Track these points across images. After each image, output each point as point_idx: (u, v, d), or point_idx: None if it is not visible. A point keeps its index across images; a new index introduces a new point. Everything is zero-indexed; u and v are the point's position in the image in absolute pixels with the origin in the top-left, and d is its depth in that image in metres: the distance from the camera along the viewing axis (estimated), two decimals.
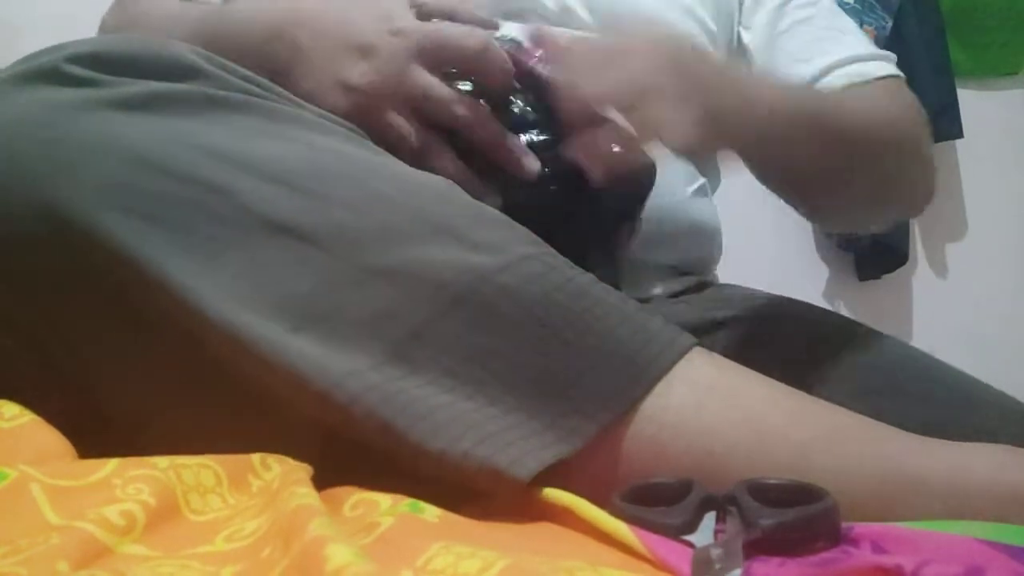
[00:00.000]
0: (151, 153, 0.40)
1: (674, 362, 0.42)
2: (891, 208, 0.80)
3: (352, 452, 0.39)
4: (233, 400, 0.40)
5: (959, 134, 1.97)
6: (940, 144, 2.00)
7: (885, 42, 1.88)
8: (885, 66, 0.74)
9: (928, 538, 0.33)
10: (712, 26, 0.77)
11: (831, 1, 0.81)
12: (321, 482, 0.37)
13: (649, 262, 0.72)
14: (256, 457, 0.38)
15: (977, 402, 0.59)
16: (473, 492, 0.38)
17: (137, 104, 0.41)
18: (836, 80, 0.74)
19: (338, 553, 0.26)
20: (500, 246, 0.42)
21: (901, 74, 0.75)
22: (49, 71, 0.41)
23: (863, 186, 0.69)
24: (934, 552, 0.31)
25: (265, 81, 0.46)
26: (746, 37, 0.79)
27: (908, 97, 0.74)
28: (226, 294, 0.38)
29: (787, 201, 0.71)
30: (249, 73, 0.46)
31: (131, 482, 0.33)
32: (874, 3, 1.87)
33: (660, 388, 0.41)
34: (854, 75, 0.73)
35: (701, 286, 0.76)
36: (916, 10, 1.94)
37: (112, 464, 0.34)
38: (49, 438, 0.38)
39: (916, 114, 0.73)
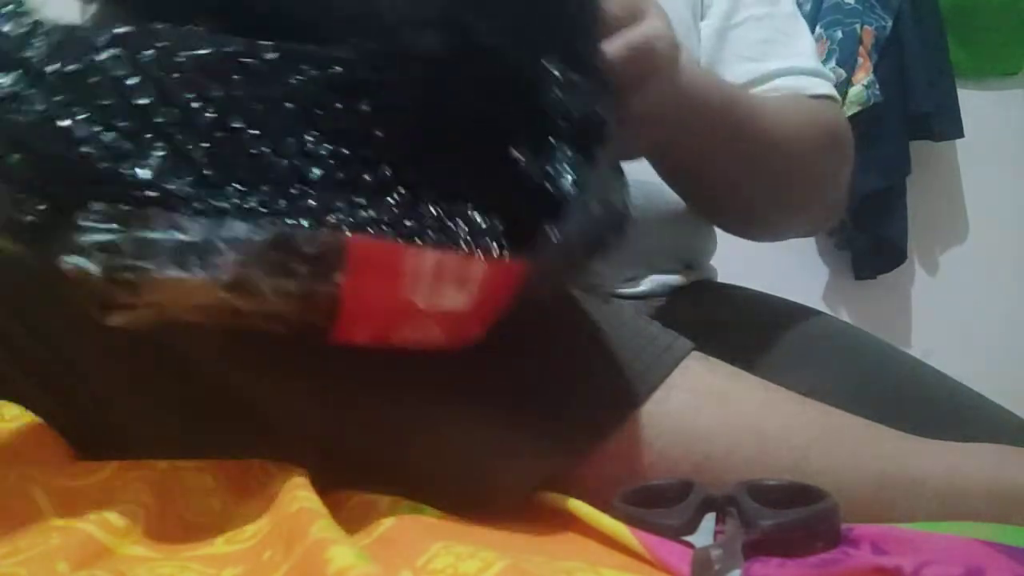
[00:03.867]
0: None
1: (672, 368, 0.42)
2: (797, 224, 0.78)
3: (348, 466, 0.38)
4: (228, 410, 0.40)
5: (959, 134, 1.97)
6: (940, 144, 2.00)
7: (885, 42, 1.88)
8: (823, 84, 0.74)
9: (928, 539, 0.33)
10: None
11: (793, 5, 0.80)
12: (318, 489, 0.37)
13: (636, 249, 0.71)
14: (255, 462, 0.38)
15: (972, 411, 0.59)
16: (473, 497, 0.38)
17: None
18: (774, 89, 0.73)
19: (341, 555, 0.26)
20: None
21: (837, 96, 0.75)
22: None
23: (778, 196, 0.68)
24: (934, 554, 0.31)
25: None
26: (703, 28, 0.77)
27: (839, 120, 0.74)
28: None
29: (691, 203, 0.70)
30: None
31: (131, 483, 0.33)
32: (874, 3, 1.87)
33: (658, 394, 0.41)
34: (793, 87, 0.73)
35: (698, 285, 0.76)
36: (916, 10, 1.94)
37: (112, 466, 0.34)
38: (49, 439, 0.38)
39: (841, 138, 0.72)
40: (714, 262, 0.81)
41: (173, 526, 0.33)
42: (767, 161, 0.64)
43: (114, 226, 0.28)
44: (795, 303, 0.75)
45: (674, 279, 0.73)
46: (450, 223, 0.34)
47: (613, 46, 0.42)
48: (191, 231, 0.29)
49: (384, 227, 0.33)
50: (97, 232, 0.28)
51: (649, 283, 0.71)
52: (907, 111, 1.90)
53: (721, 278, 0.81)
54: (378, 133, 0.34)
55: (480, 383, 0.39)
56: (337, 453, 0.39)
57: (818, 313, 0.74)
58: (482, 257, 0.33)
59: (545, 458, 0.38)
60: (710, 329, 0.70)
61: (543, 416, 0.39)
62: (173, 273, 0.28)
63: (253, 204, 0.32)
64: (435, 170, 0.35)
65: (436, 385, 0.39)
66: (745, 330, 0.70)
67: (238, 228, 0.29)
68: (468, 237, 0.34)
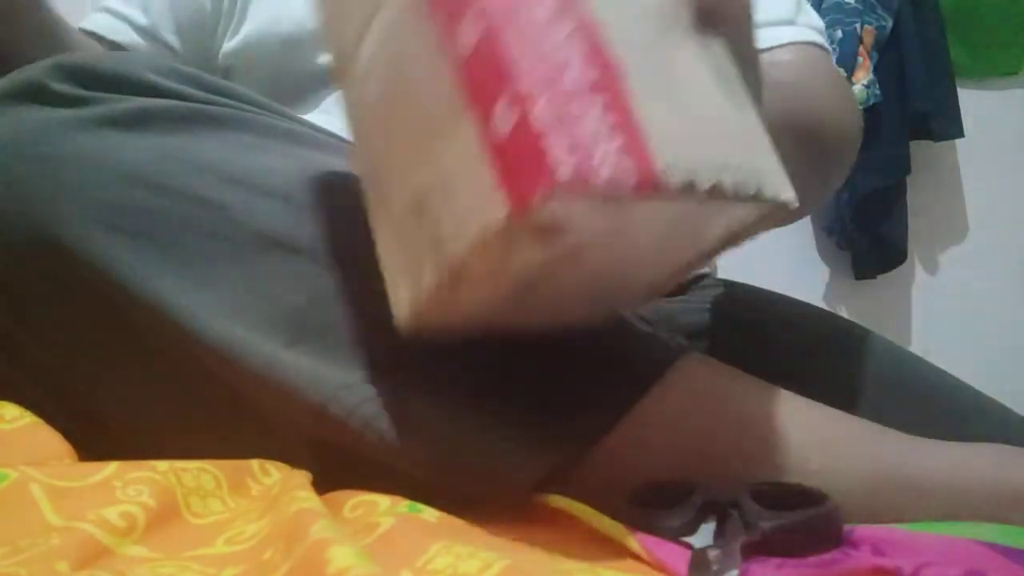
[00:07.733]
0: (142, 170, 0.40)
1: (669, 366, 0.42)
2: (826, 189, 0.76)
3: (347, 461, 0.39)
4: (228, 411, 0.40)
5: (959, 134, 1.97)
6: (940, 144, 2.00)
7: (885, 42, 1.88)
8: (806, 32, 0.68)
9: (928, 541, 0.33)
10: None
11: None
12: (318, 489, 0.37)
13: None
14: (255, 462, 0.38)
15: (973, 410, 0.59)
16: (472, 496, 0.38)
17: (127, 121, 0.41)
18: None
19: (340, 555, 0.26)
20: None
21: (824, 44, 0.69)
22: (36, 89, 0.41)
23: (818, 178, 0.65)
24: (933, 555, 0.31)
25: (248, 92, 0.46)
26: None
27: (833, 71, 0.70)
28: (219, 309, 0.38)
29: None
30: (225, 84, 0.45)
31: (131, 484, 0.33)
32: (874, 3, 1.87)
33: (655, 392, 0.41)
34: (779, 39, 0.66)
35: (697, 280, 0.76)
36: (916, 10, 1.94)
37: (112, 466, 0.34)
38: (49, 439, 0.38)
39: (847, 95, 0.69)
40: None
41: (173, 526, 0.33)
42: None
43: None
44: (797, 300, 0.75)
45: None
46: None
47: None
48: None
49: None
50: None
51: None
52: (907, 111, 1.90)
53: (720, 276, 0.81)
54: None
55: (474, 383, 0.39)
56: (337, 453, 0.39)
57: (822, 310, 0.74)
58: None
59: (543, 456, 0.39)
60: (710, 327, 0.70)
61: (541, 415, 0.39)
62: None
63: None
64: None
65: (434, 385, 0.39)
66: (746, 328, 0.70)
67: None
68: None
